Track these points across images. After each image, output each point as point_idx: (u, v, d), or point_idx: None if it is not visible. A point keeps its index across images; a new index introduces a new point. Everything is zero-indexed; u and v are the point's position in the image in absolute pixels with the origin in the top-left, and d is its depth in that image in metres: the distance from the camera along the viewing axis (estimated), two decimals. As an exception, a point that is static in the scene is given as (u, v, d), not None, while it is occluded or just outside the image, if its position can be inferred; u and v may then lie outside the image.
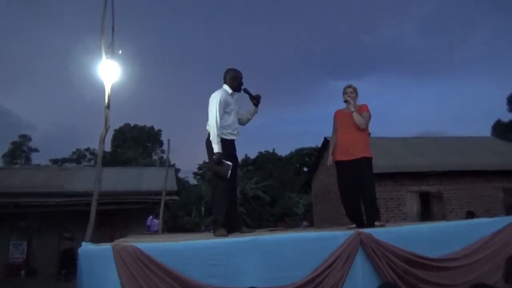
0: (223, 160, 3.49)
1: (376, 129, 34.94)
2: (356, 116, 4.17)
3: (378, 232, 2.96)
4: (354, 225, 4.11)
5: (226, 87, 3.82)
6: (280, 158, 32.28)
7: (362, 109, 4.33)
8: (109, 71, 2.86)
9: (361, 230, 2.92)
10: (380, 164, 11.87)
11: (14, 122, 44.73)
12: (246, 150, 32.10)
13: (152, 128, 34.25)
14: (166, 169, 9.38)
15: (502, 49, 58.39)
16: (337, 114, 4.40)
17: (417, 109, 63.35)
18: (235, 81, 3.81)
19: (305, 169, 29.34)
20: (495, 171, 12.20)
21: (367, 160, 4.19)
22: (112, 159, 28.51)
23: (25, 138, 34.07)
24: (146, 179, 12.38)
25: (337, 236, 2.87)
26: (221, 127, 3.60)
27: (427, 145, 14.40)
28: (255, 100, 3.98)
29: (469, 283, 2.86)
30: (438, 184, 11.96)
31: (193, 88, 62.69)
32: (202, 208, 18.09)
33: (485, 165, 12.39)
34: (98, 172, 3.04)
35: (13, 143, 32.84)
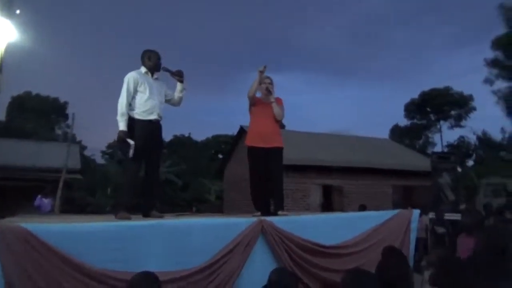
0: (127, 139, 3.41)
1: (291, 123, 36.52)
2: (275, 108, 4.31)
3: (279, 221, 3.12)
4: (259, 213, 4.28)
5: (142, 68, 3.73)
6: (195, 143, 32.01)
7: (280, 102, 4.49)
8: (3, 31, 2.53)
9: (263, 218, 3.04)
10: (289, 157, 12.45)
11: None
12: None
13: (57, 99, 31.37)
14: (68, 144, 8.63)
15: (406, 62, 65.05)
16: (256, 100, 4.46)
17: (331, 108, 67.75)
18: (150, 61, 3.73)
19: (220, 156, 29.56)
20: (388, 170, 13.61)
21: (280, 150, 4.38)
22: (6, 129, 25.46)
23: None
24: (45, 155, 11.29)
25: (239, 223, 2.96)
26: (134, 106, 3.55)
27: (333, 142, 15.49)
28: (177, 75, 3.90)
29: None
30: (339, 178, 12.96)
31: (109, 62, 58.73)
32: (108, 190, 17.14)
33: (380, 164, 13.75)
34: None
35: None
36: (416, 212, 3.82)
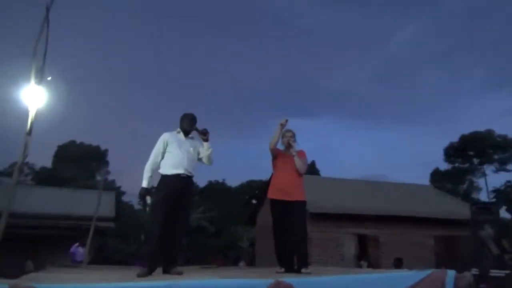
0: (146, 196, 3.65)
1: (323, 169, 36.08)
2: (298, 161, 4.32)
3: (298, 282, 2.95)
4: (282, 270, 4.12)
5: (178, 128, 3.97)
6: (229, 189, 32.07)
7: (302, 155, 4.47)
8: (34, 97, 2.72)
9: (281, 279, 2.89)
10: (321, 204, 12.17)
11: None
12: (195, 179, 31.65)
13: (98, 147, 32.93)
14: (100, 192, 8.81)
15: (441, 105, 63.69)
16: (278, 152, 4.47)
17: (364, 153, 66.57)
18: (183, 122, 3.95)
19: (254, 201, 29.33)
20: (428, 218, 12.88)
21: (303, 204, 4.31)
22: (49, 177, 26.81)
23: None
24: (81, 202, 11.62)
25: (256, 285, 2.82)
26: (163, 164, 3.76)
27: (367, 189, 14.98)
28: (202, 135, 4.00)
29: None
30: (374, 227, 12.39)
31: (146, 109, 61.63)
32: (142, 236, 17.27)
33: (419, 212, 13.06)
34: (10, 196, 2.81)
35: None
36: (451, 273, 3.51)
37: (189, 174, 3.77)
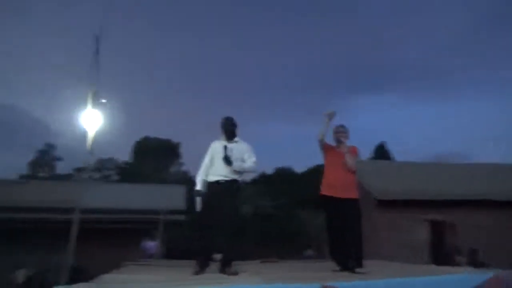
0: (196, 197, 4.04)
1: (394, 149, 34.41)
2: (349, 159, 4.24)
3: (346, 287, 2.94)
4: (337, 268, 4.11)
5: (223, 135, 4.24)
6: (296, 175, 32.07)
7: (353, 152, 4.38)
8: (92, 119, 3.01)
9: (328, 284, 2.90)
10: (391, 190, 11.70)
11: (42, 130, 46.35)
12: (263, 166, 32.12)
13: (170, 141, 34.80)
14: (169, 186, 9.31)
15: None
16: (329, 147, 4.42)
17: (440, 128, 61.71)
18: (223, 128, 4.19)
19: (322, 187, 28.90)
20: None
21: (356, 202, 4.23)
22: (131, 171, 29.22)
23: (51, 146, 35.25)
24: (158, 197, 12.42)
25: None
26: (208, 172, 4.11)
27: (443, 171, 14.04)
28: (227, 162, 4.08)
29: None
30: (449, 213, 11.61)
31: (215, 97, 63.39)
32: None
33: (503, 195, 11.91)
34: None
35: (39, 151, 34.03)
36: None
37: (226, 179, 4.01)
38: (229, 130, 4.16)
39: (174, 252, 9.32)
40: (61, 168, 33.66)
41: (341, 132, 4.40)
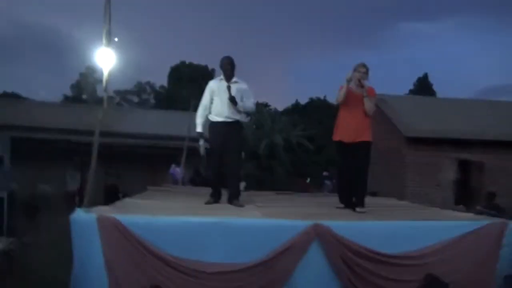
0: (200, 139, 4.29)
1: (438, 82, 32.64)
2: (367, 103, 4.18)
3: (337, 226, 3.16)
4: (342, 205, 4.33)
5: (221, 75, 4.26)
6: (330, 105, 31.67)
7: (371, 94, 4.28)
8: (106, 58, 3.18)
9: (319, 222, 3.13)
10: (422, 127, 11.43)
11: (84, 51, 47.47)
12: (297, 95, 31.80)
13: (206, 67, 34.79)
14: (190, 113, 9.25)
15: None
16: (348, 92, 4.21)
17: (489, 61, 56.77)
18: (222, 68, 4.22)
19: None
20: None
21: (368, 144, 4.28)
22: (168, 96, 30.01)
23: (92, 69, 36.34)
24: (185, 123, 12.79)
25: (295, 226, 3.12)
26: (211, 110, 4.21)
27: (478, 109, 13.36)
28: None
29: (418, 281, 3.06)
30: (481, 152, 11.32)
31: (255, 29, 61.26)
32: (243, 153, 18.51)
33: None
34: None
35: (81, 74, 35.25)
36: (513, 225, 3.31)
37: (230, 120, 4.13)
38: (228, 70, 4.16)
39: (199, 179, 9.88)
40: (102, 91, 35.04)
41: (363, 73, 4.20)
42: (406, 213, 4.01)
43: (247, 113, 4.45)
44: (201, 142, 4.34)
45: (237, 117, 4.21)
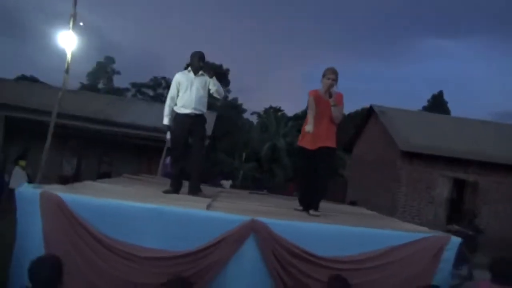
0: (167, 132, 4.30)
1: (452, 99, 32.13)
2: (334, 111, 4.12)
3: (275, 224, 3.18)
4: (301, 208, 4.34)
5: (189, 67, 4.33)
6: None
7: (340, 100, 4.23)
8: (68, 40, 3.28)
9: (256, 218, 3.16)
10: (416, 142, 11.33)
11: (103, 41, 48.39)
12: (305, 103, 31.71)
13: (220, 66, 35.01)
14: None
15: None
16: (317, 98, 4.24)
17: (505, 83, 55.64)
18: (193, 60, 4.29)
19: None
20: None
21: (330, 150, 4.24)
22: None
23: (110, 60, 36.94)
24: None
25: (233, 220, 3.15)
26: (177, 102, 4.26)
27: (480, 130, 13.15)
28: (208, 72, 4.29)
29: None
30: (476, 173, 11.16)
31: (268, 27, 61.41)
32: (243, 154, 18.68)
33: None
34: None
35: (98, 63, 35.90)
36: (456, 240, 3.28)
37: (197, 113, 4.21)
38: (196, 63, 4.25)
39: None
40: (119, 81, 35.71)
41: (332, 80, 4.15)
42: (358, 220, 3.99)
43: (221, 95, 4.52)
44: (169, 135, 4.41)
45: (204, 110, 4.32)
